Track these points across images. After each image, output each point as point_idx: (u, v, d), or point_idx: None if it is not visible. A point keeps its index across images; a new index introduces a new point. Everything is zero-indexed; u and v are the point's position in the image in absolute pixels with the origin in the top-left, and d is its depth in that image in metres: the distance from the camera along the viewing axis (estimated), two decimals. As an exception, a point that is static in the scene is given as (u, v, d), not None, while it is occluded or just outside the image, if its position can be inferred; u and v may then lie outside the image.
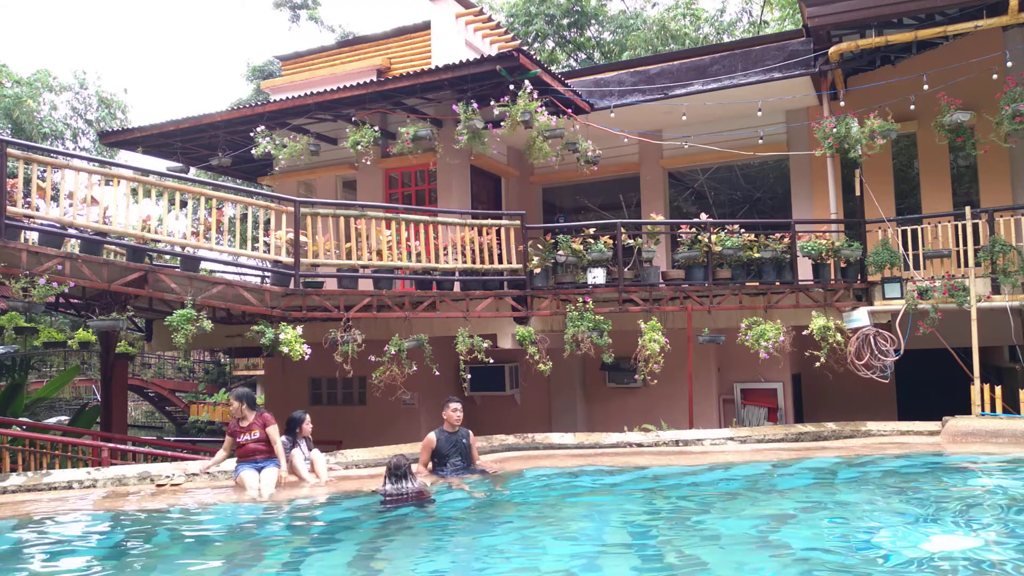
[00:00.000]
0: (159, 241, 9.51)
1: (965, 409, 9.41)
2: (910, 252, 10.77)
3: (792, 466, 8.12)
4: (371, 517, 6.46)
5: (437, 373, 10.18)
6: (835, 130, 10.61)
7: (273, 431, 7.63)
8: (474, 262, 10.82)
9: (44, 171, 10.52)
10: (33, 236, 8.85)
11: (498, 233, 11.16)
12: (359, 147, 11.44)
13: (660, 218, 12.61)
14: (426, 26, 14.82)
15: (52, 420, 19.85)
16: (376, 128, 11.91)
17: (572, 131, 11.97)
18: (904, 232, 10.93)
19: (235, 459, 7.65)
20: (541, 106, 10.66)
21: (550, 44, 28.10)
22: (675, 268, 11.62)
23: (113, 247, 9.52)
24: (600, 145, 12.38)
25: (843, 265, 10.98)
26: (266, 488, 7.27)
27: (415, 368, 10.05)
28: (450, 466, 7.79)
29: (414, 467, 7.16)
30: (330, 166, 14.34)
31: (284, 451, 7.70)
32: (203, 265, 11.21)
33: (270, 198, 11.05)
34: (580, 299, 10.64)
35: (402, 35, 15.49)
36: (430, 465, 7.84)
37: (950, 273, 10.33)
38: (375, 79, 13.01)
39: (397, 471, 6.79)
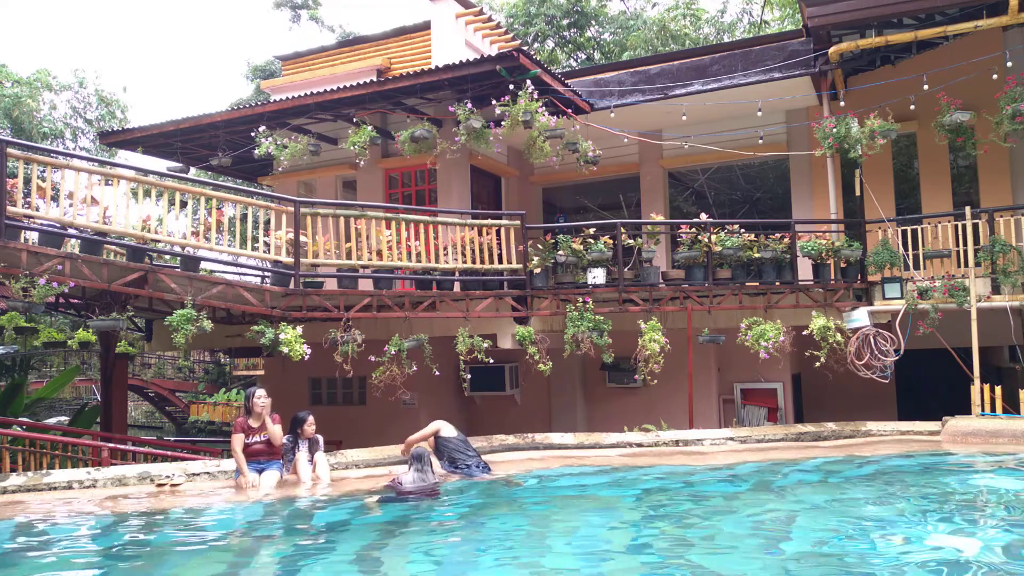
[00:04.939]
0: (159, 241, 9.51)
1: (965, 409, 9.41)
2: (910, 252, 10.77)
3: (792, 466, 8.12)
4: (371, 517, 6.46)
5: (437, 373, 10.18)
6: (835, 130, 10.61)
7: (277, 429, 7.67)
8: (474, 262, 10.81)
9: (44, 171, 10.51)
10: (33, 236, 8.84)
11: (498, 233, 11.15)
12: (357, 147, 11.44)
13: (660, 218, 12.61)
14: (426, 26, 14.82)
15: (52, 420, 19.82)
16: (374, 128, 11.90)
17: (572, 131, 11.96)
18: (904, 232, 10.93)
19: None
20: (541, 106, 10.66)
21: (550, 44, 28.10)
22: (675, 268, 11.62)
23: (113, 247, 9.52)
24: (600, 145, 12.38)
25: (843, 265, 10.98)
26: (263, 489, 7.30)
27: (415, 368, 10.06)
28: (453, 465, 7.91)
29: (436, 466, 7.53)
30: (330, 166, 14.34)
31: (286, 451, 7.74)
32: (203, 265, 11.19)
33: (270, 198, 11.05)
34: (580, 299, 10.63)
35: (402, 35, 15.48)
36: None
37: (950, 273, 10.33)
38: (375, 79, 13.00)
39: (420, 460, 7.14)
